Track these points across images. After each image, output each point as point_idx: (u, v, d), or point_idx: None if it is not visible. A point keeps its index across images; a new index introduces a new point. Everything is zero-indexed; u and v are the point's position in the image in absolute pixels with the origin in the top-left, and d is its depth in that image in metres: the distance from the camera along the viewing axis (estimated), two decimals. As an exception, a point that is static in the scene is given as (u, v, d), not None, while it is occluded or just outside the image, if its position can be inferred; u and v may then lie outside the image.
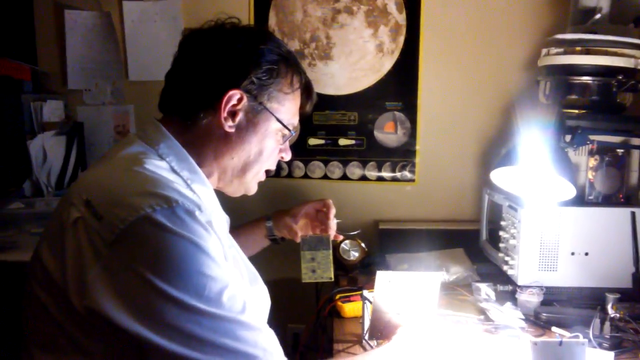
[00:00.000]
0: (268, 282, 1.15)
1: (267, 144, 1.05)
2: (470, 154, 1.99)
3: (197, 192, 0.93)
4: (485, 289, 1.51)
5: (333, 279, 1.46)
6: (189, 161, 0.97)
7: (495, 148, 1.92)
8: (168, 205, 0.81)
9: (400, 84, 1.97)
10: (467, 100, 1.96)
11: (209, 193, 1.00)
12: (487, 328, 1.35)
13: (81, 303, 0.78)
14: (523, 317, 1.39)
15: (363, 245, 1.75)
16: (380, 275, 1.21)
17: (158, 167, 0.91)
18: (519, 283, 1.49)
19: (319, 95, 2.02)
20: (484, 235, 1.84)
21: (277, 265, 1.96)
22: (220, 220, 1.00)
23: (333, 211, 1.44)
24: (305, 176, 2.06)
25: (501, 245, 1.62)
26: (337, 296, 1.49)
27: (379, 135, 2.01)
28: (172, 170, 0.94)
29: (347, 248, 1.74)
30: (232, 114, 0.98)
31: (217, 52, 0.98)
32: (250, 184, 1.09)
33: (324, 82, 2.00)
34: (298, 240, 1.44)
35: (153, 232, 0.79)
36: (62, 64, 2.12)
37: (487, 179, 1.90)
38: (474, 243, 1.87)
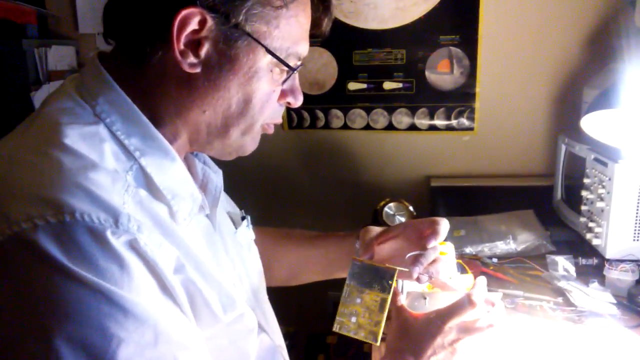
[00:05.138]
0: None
1: (256, 87, 0.69)
2: (543, 97, 1.68)
3: (150, 171, 0.64)
4: (564, 263, 1.24)
5: (378, 344, 0.83)
6: (141, 121, 0.66)
7: (575, 89, 1.59)
8: (58, 218, 0.53)
9: (457, 14, 1.66)
10: (539, 31, 1.63)
11: (174, 167, 0.68)
12: (568, 316, 1.08)
13: None
14: (614, 300, 1.11)
15: (411, 208, 1.49)
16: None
17: (86, 137, 0.61)
18: (608, 256, 1.21)
19: (360, 30, 1.78)
20: (559, 194, 1.55)
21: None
22: (184, 208, 0.68)
23: (440, 238, 0.90)
24: (345, 127, 1.81)
25: (583, 207, 1.32)
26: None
27: (431, 76, 1.72)
28: (114, 139, 0.64)
29: (391, 212, 1.48)
30: (195, 46, 0.65)
31: None
32: (242, 142, 0.74)
33: (365, 14, 1.71)
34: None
35: (27, 262, 0.52)
36: (72, 5, 1.93)
37: (565, 125, 1.60)
38: (545, 203, 1.59)
